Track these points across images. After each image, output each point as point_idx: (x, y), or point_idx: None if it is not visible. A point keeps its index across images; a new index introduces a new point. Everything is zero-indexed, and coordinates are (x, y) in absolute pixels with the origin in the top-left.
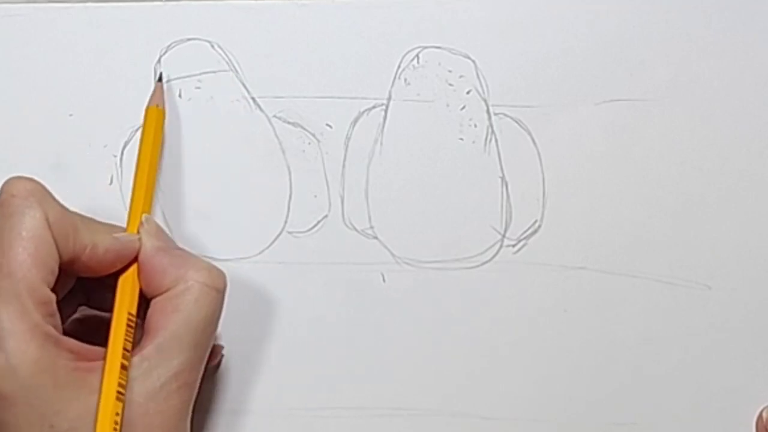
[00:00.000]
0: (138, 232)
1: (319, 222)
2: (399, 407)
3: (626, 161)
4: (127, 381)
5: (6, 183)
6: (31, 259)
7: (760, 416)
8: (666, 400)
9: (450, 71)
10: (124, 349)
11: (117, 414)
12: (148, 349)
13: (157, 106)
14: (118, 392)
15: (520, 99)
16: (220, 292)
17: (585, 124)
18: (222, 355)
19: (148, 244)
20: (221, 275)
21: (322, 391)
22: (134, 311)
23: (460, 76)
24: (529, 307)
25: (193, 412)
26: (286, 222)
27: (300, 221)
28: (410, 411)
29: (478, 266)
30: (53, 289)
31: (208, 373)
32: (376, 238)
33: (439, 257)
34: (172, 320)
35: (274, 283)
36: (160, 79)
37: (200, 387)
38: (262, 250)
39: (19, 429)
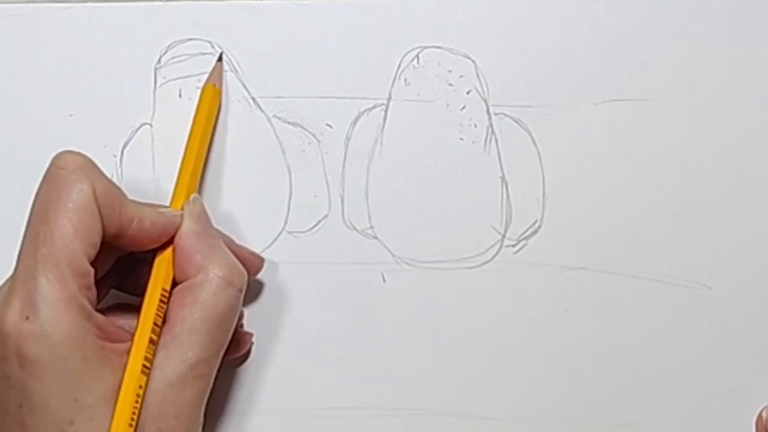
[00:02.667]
0: (182, 209)
1: (319, 222)
2: (399, 407)
3: (626, 161)
4: (153, 355)
5: (55, 157)
6: (74, 230)
7: (759, 416)
8: (666, 400)
9: (450, 71)
10: (155, 324)
11: (140, 387)
12: (165, 338)
13: (214, 85)
14: (144, 366)
15: (520, 99)
16: (238, 290)
17: (585, 124)
18: (252, 343)
19: (185, 226)
20: (241, 274)
21: (322, 391)
22: (168, 288)
23: (460, 76)
24: (529, 307)
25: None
26: (286, 222)
27: (300, 221)
28: (410, 411)
29: (478, 266)
30: (93, 264)
31: (234, 363)
32: (376, 238)
33: (439, 257)
34: (190, 312)
35: (274, 283)
36: (220, 59)
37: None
38: (262, 250)
39: (44, 397)
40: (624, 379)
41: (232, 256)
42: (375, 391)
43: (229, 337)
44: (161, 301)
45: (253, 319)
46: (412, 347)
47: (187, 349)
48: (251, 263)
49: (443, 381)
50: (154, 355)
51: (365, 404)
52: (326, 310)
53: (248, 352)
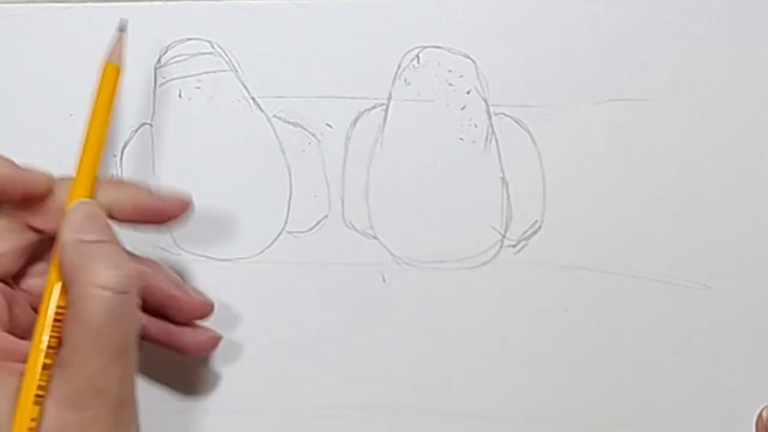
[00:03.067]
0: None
1: (319, 222)
2: (398, 407)
3: (626, 161)
4: (48, 380)
5: None
6: None
7: (760, 415)
8: (666, 400)
9: (450, 71)
10: (49, 346)
11: (33, 420)
12: (57, 359)
13: (114, 63)
14: (37, 395)
15: (520, 99)
16: (118, 293)
17: (585, 124)
18: (218, 338)
19: (60, 238)
20: (123, 276)
21: (321, 391)
22: (64, 303)
23: (460, 76)
24: (530, 307)
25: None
26: (286, 222)
27: (300, 221)
28: (410, 411)
29: (478, 266)
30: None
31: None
32: (376, 238)
33: (439, 257)
34: (70, 330)
35: (274, 283)
36: (122, 30)
37: (200, 387)
38: (262, 250)
39: None
40: (624, 379)
41: (115, 257)
42: (375, 391)
43: (128, 341)
44: (56, 320)
45: (253, 319)
46: (412, 347)
47: (77, 367)
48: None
49: (443, 381)
50: (48, 380)
51: (365, 404)
52: (326, 310)
53: (212, 349)
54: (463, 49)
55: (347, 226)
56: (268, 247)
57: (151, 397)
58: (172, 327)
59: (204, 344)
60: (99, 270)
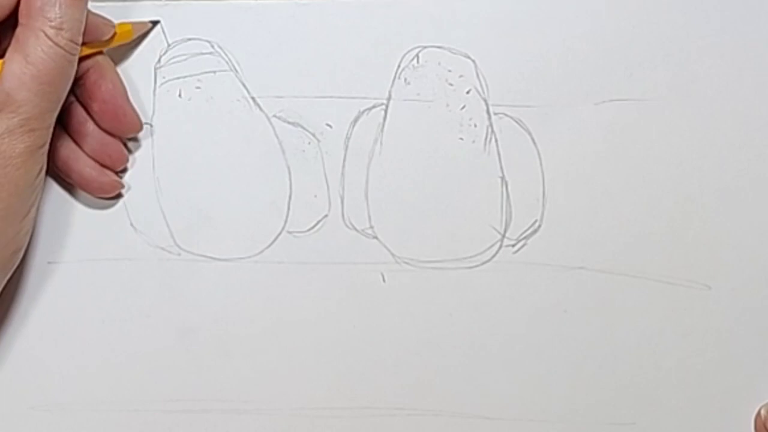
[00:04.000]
0: None
1: (319, 222)
2: (399, 407)
3: (626, 161)
4: None
5: None
6: None
7: (758, 414)
8: (666, 400)
9: (450, 71)
10: None
11: None
12: None
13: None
14: None
15: (520, 99)
16: (68, 51)
17: (585, 124)
18: (120, 186)
19: None
20: (73, 31)
21: (322, 391)
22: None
23: (460, 76)
24: (529, 307)
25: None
26: (286, 222)
27: (300, 221)
28: (410, 411)
29: (477, 266)
30: None
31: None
32: (375, 238)
33: (439, 257)
34: (17, 69)
35: (274, 283)
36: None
37: (201, 386)
38: (262, 250)
39: None
40: (624, 379)
41: (75, 13)
42: (375, 391)
43: (64, 93)
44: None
45: (253, 318)
46: (412, 347)
47: (17, 105)
48: (99, 28)
49: (443, 381)
50: None
51: (365, 404)
52: (326, 310)
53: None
54: (462, 49)
55: (347, 226)
56: (268, 247)
57: (152, 397)
58: (83, 156)
59: (106, 185)
60: (57, 19)
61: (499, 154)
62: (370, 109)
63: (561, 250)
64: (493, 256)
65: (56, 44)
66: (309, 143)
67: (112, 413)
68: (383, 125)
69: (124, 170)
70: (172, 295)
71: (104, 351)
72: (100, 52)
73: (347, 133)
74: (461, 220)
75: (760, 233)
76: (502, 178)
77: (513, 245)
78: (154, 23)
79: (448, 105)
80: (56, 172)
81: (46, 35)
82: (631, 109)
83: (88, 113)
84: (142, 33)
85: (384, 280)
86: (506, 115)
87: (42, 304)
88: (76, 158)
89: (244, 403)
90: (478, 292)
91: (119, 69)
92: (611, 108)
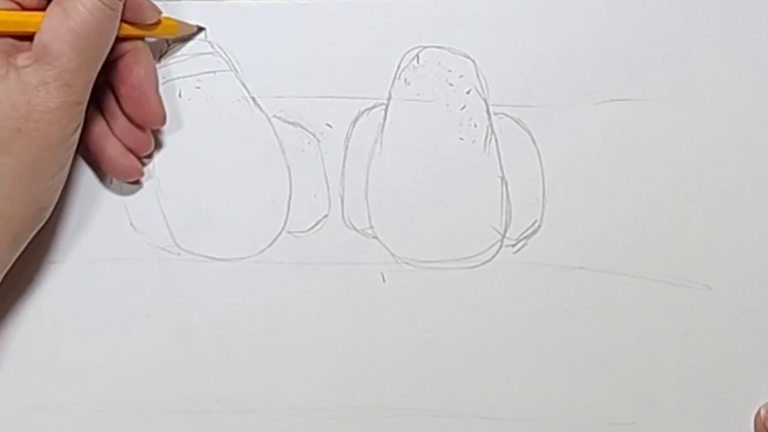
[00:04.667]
0: None
1: (319, 222)
2: (399, 407)
3: (626, 161)
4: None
5: None
6: None
7: (758, 413)
8: (666, 400)
9: (450, 71)
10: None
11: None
12: (36, 45)
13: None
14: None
15: (520, 99)
16: (109, 7)
17: (585, 124)
18: (141, 172)
19: None
20: None
21: (322, 391)
22: None
23: (460, 76)
24: (529, 307)
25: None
26: (286, 222)
27: (300, 221)
28: (410, 411)
29: (477, 266)
30: None
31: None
32: (376, 237)
33: (439, 257)
34: (54, 22)
35: (274, 283)
36: (200, 30)
37: (201, 386)
38: (262, 250)
39: None
40: (624, 379)
41: None
42: (375, 391)
43: (103, 51)
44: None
45: (253, 318)
46: (412, 347)
47: (53, 57)
48: (145, 10)
49: (443, 381)
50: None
51: (365, 404)
52: (326, 310)
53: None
54: (462, 49)
55: (347, 225)
56: (268, 247)
57: (152, 397)
58: (111, 136)
59: (128, 168)
60: None
61: (499, 154)
62: (370, 109)
63: (561, 250)
64: (493, 256)
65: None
66: (309, 143)
67: (112, 413)
68: (383, 125)
69: (150, 156)
70: (172, 295)
71: (104, 351)
72: (141, 39)
73: (347, 133)
74: (461, 220)
75: (760, 233)
76: (502, 178)
77: (513, 245)
78: (200, 29)
79: (448, 105)
80: (83, 147)
81: None
82: (631, 109)
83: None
84: (186, 34)
85: (384, 280)
86: (506, 115)
87: (42, 304)
88: (104, 137)
89: (244, 403)
90: (478, 292)
91: None
92: (611, 108)
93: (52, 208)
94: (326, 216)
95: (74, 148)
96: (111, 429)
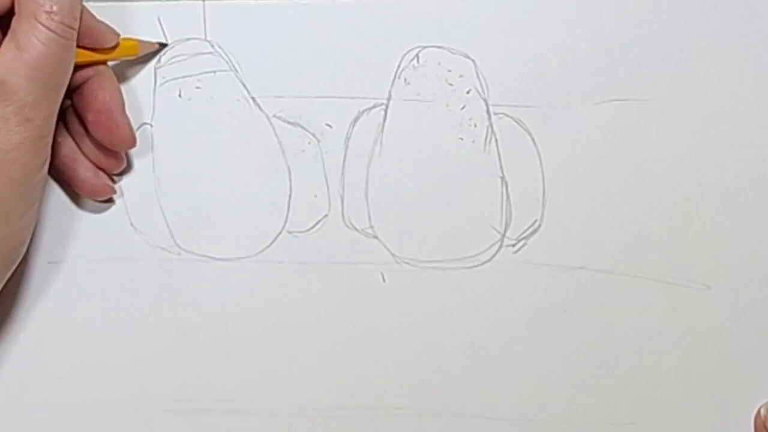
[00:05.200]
0: None
1: (319, 222)
2: (399, 407)
3: (626, 161)
4: None
5: None
6: None
7: (758, 413)
8: (666, 400)
9: (450, 71)
10: None
11: None
12: None
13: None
14: None
15: (520, 99)
16: (61, 36)
17: (585, 124)
18: (112, 191)
19: None
20: (68, 16)
21: (322, 391)
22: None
23: (460, 76)
24: (529, 307)
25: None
26: (286, 222)
27: (300, 221)
28: (410, 411)
29: (477, 266)
30: None
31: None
32: (376, 237)
33: (439, 257)
34: (9, 56)
35: (274, 283)
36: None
37: (201, 386)
38: (262, 250)
39: None
40: (624, 379)
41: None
42: (375, 391)
43: (62, 81)
44: None
45: (253, 318)
46: (412, 347)
47: (9, 93)
48: (102, 34)
49: (443, 381)
50: None
51: (365, 404)
52: (326, 310)
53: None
54: (463, 49)
55: (347, 225)
56: (268, 247)
57: (152, 397)
58: (81, 157)
59: (99, 188)
60: (46, 3)
61: (499, 154)
62: (370, 109)
63: (561, 250)
64: (493, 256)
65: (48, 28)
66: (309, 143)
67: (112, 413)
68: (383, 125)
69: (121, 173)
70: (172, 295)
71: (104, 351)
72: (104, 64)
73: (347, 133)
74: (461, 220)
75: (760, 233)
76: (502, 178)
77: (513, 245)
78: (162, 45)
79: (448, 105)
80: (53, 168)
81: (37, 20)
82: (631, 109)
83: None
84: (148, 52)
85: (384, 280)
86: (506, 115)
87: (42, 304)
88: (74, 158)
89: (244, 403)
90: (478, 292)
91: (118, 68)
92: (611, 108)
93: (24, 247)
94: (326, 216)
95: (43, 185)
96: (111, 429)
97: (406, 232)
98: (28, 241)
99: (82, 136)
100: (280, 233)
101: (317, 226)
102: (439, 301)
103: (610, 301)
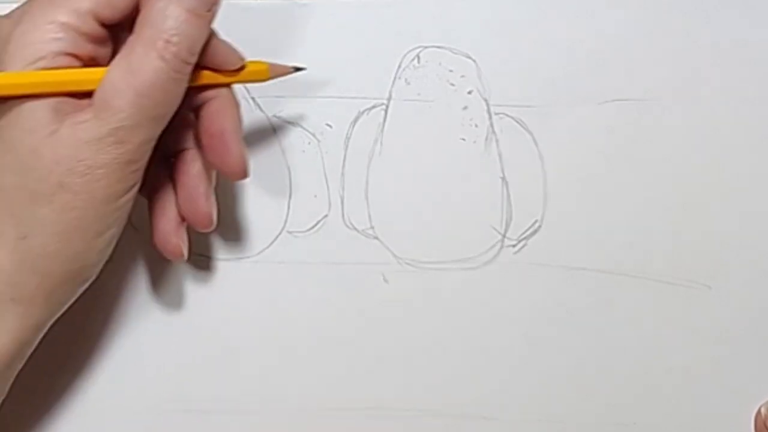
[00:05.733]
0: None
1: (319, 222)
2: (399, 407)
3: (627, 161)
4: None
5: None
6: None
7: (758, 412)
8: (666, 400)
9: (451, 71)
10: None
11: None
12: (95, 97)
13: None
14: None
15: (521, 99)
16: (170, 65)
17: (586, 124)
18: (182, 256)
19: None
20: (181, 46)
21: (322, 392)
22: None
23: (461, 76)
24: (530, 308)
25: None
26: (286, 222)
27: (300, 221)
28: (410, 411)
29: (478, 267)
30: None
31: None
32: (376, 238)
33: (439, 258)
34: (118, 76)
35: (274, 283)
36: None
37: (201, 386)
38: (262, 250)
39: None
40: (624, 379)
41: (191, 30)
42: (375, 391)
43: (164, 112)
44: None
45: (253, 318)
46: (413, 348)
47: (110, 113)
48: (224, 56)
49: (444, 381)
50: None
51: (365, 404)
52: (326, 310)
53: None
54: (463, 49)
55: (347, 226)
56: (268, 247)
57: (152, 397)
58: (171, 205)
59: (170, 246)
60: (166, 31)
61: (499, 154)
62: (370, 109)
63: (562, 251)
64: (494, 256)
65: (162, 57)
66: (309, 143)
67: (112, 413)
68: (383, 125)
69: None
70: (171, 295)
71: (104, 351)
72: (227, 86)
73: (347, 133)
74: (462, 221)
75: (760, 233)
76: (503, 178)
77: (514, 246)
78: (297, 69)
79: (448, 105)
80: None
81: (153, 47)
82: (631, 109)
83: (198, 145)
84: (281, 76)
85: (385, 281)
86: (507, 115)
87: None
88: (163, 204)
89: (245, 403)
90: (479, 293)
91: None
92: (612, 108)
93: (96, 269)
94: (326, 216)
95: (125, 211)
96: (111, 429)
97: (407, 232)
98: (101, 262)
99: (182, 175)
100: (280, 233)
101: (317, 227)
102: (440, 302)
103: (611, 301)
